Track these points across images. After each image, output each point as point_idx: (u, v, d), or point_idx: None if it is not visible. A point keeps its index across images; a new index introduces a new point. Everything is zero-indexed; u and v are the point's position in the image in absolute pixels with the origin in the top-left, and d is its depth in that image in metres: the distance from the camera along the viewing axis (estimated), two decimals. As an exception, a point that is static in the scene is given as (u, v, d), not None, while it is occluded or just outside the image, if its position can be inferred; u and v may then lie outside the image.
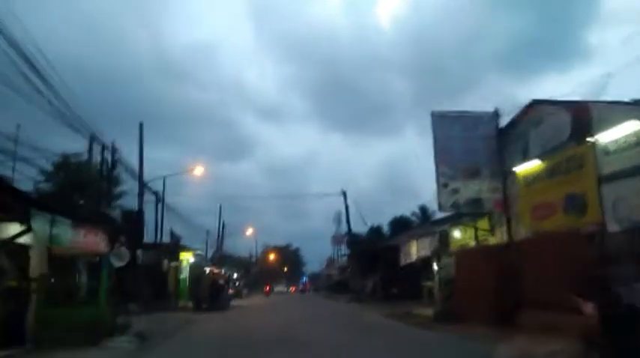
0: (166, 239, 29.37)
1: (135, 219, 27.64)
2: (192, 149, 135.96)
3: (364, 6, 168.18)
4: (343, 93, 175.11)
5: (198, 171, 29.72)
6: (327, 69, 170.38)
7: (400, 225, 64.52)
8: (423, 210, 65.59)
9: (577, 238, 11.60)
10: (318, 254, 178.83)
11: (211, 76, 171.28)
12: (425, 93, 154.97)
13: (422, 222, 64.21)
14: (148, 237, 28.69)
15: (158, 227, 28.57)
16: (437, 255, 16.37)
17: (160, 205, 28.78)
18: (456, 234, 18.09)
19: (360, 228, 79.96)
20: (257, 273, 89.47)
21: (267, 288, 75.66)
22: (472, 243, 18.49)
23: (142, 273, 26.40)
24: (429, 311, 17.27)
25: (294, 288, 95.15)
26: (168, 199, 30.47)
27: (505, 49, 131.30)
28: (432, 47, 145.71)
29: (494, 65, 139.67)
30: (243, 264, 79.59)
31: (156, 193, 28.73)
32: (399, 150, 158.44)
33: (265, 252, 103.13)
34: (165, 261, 28.23)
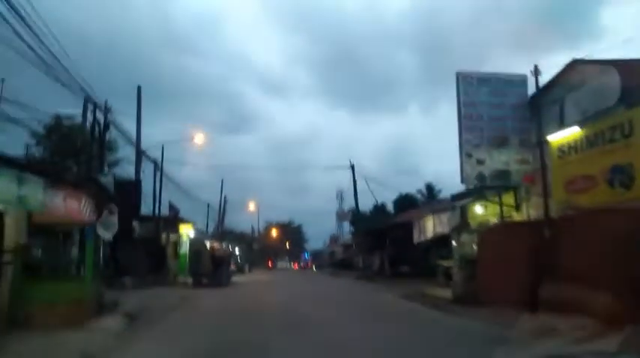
0: (165, 212, 27.94)
1: (131, 188, 26.26)
2: (195, 122, 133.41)
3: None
4: (350, 68, 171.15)
5: (199, 139, 28.19)
6: (334, 43, 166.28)
7: (405, 203, 63.45)
8: (429, 188, 64.50)
9: (625, 214, 10.09)
10: (321, 231, 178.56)
11: (216, 48, 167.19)
12: (433, 69, 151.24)
13: (428, 200, 63.37)
14: (146, 208, 27.36)
15: (156, 198, 27.15)
16: (457, 231, 14.91)
17: (158, 175, 27.30)
18: (478, 209, 16.59)
19: (365, 205, 79.21)
20: (259, 249, 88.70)
21: (270, 263, 75.20)
22: (493, 220, 17.01)
23: (139, 246, 25.12)
24: (445, 293, 15.91)
25: (296, 265, 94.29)
26: (167, 170, 29.03)
27: (515, 25, 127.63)
28: (441, 22, 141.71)
29: (503, 42, 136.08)
30: (245, 240, 78.67)
31: (154, 162, 27.24)
32: (406, 127, 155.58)
33: (267, 228, 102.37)
34: (164, 234, 26.89)
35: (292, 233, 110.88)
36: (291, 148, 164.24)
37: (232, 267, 33.82)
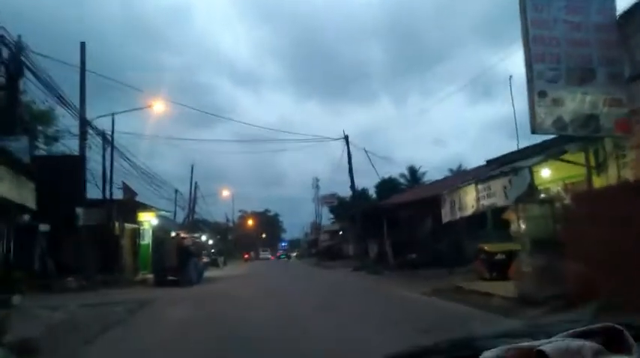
0: (119, 195, 22.68)
1: (73, 165, 20.92)
2: (165, 114, 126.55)
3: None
4: (319, 60, 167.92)
5: (158, 107, 22.81)
6: (302, 34, 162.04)
7: (388, 187, 59.61)
8: (412, 171, 60.59)
9: None
10: (297, 221, 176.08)
11: (184, 39, 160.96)
12: (401, 60, 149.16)
13: (411, 183, 59.43)
14: (94, 192, 22.03)
15: (107, 179, 21.83)
16: (521, 202, 10.51)
17: (108, 151, 21.94)
18: (544, 173, 12.16)
19: (341, 192, 74.80)
20: (234, 240, 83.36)
21: (247, 256, 72.19)
22: (559, 188, 12.57)
23: (86, 238, 19.92)
24: (496, 288, 11.49)
25: (273, 256, 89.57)
26: (124, 147, 23.65)
27: (483, 15, 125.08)
28: (409, 12, 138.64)
29: (472, 33, 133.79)
30: (219, 230, 73.37)
31: (103, 134, 21.83)
32: (377, 116, 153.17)
33: (243, 218, 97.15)
34: (118, 223, 21.67)
35: (269, 222, 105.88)
36: (263, 139, 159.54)
37: (204, 260, 28.85)
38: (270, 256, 79.94)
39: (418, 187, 48.91)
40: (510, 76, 21.80)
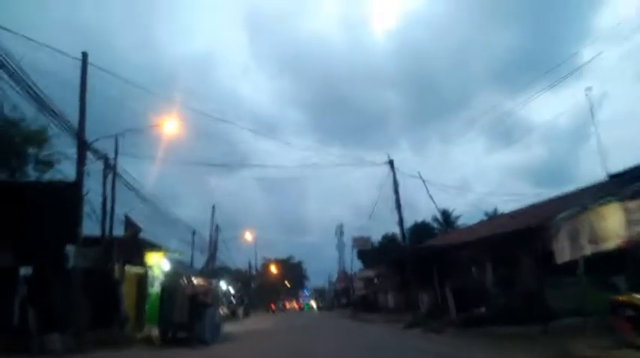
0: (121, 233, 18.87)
1: (67, 194, 17.28)
2: (189, 165, 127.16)
3: (358, 20, 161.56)
4: (339, 108, 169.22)
5: (170, 126, 19.18)
6: (323, 83, 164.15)
7: (421, 231, 55.37)
8: (445, 214, 56.43)
9: None
10: (319, 268, 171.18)
11: (206, 89, 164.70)
12: (419, 107, 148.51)
13: (444, 228, 54.77)
14: (91, 227, 18.26)
15: (107, 212, 18.09)
16: None
17: (110, 177, 18.30)
18: None
19: (375, 233, 69.60)
20: (257, 288, 78.49)
21: (273, 306, 68.93)
22: None
23: (76, 283, 16.04)
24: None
25: (298, 305, 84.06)
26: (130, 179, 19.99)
27: (497, 64, 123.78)
28: (425, 62, 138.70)
29: (486, 80, 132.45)
30: (241, 278, 68.85)
31: (105, 158, 18.27)
32: (397, 163, 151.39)
33: (266, 265, 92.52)
34: (118, 265, 17.75)
35: (292, 270, 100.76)
36: (285, 186, 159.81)
37: (223, 311, 24.57)
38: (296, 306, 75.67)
39: (455, 231, 44.30)
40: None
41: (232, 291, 41.75)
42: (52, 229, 16.50)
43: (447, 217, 55.51)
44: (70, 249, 16.21)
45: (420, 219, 59.06)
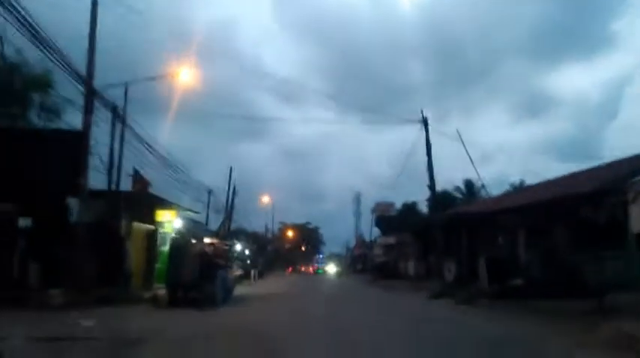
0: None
1: (71, 143, 16.11)
2: (208, 129, 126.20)
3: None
4: (361, 77, 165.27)
5: (185, 75, 17.66)
6: (346, 52, 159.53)
7: (442, 201, 53.70)
8: (469, 184, 54.36)
9: None
10: (335, 235, 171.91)
11: (229, 54, 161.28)
12: (444, 78, 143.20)
13: (467, 199, 52.92)
14: (99, 181, 17.12)
15: (114, 163, 16.88)
16: None
17: (119, 128, 16.99)
18: None
19: (397, 197, 67.82)
20: (273, 251, 78.30)
21: (290, 269, 69.55)
22: None
23: (80, 238, 15.02)
24: None
25: (313, 268, 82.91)
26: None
27: (526, 35, 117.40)
28: (452, 32, 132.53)
29: (514, 52, 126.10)
30: (257, 241, 68.47)
31: (114, 107, 16.91)
32: (417, 135, 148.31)
33: (283, 229, 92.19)
34: (125, 221, 16.65)
35: (309, 235, 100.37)
36: (304, 155, 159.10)
37: (236, 272, 23.60)
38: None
39: (479, 201, 42.47)
40: None
41: (247, 253, 40.96)
42: (54, 180, 15.42)
43: (470, 187, 53.79)
44: (72, 201, 15.12)
45: (440, 189, 57.65)
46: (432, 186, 22.57)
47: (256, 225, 72.85)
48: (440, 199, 55.54)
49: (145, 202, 17.68)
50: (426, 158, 21.85)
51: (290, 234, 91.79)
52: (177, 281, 15.82)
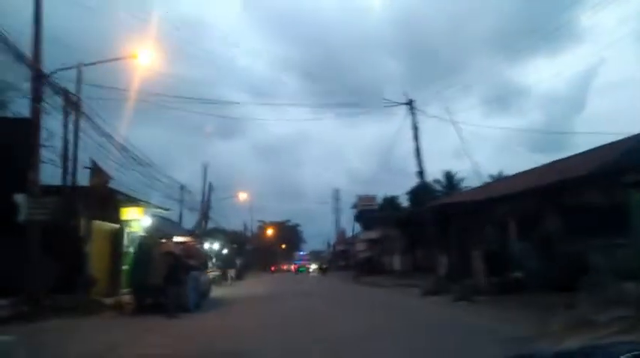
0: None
1: (17, 134, 14.26)
2: (183, 129, 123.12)
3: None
4: (333, 73, 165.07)
5: (145, 59, 15.86)
6: (317, 49, 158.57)
7: (422, 193, 52.69)
8: (449, 176, 53.88)
9: None
10: (315, 232, 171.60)
11: (200, 53, 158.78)
12: (414, 73, 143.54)
13: (447, 191, 51.99)
14: (50, 175, 15.26)
15: (69, 154, 15.05)
16: None
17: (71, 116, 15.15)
18: None
19: (377, 192, 66.93)
20: (253, 250, 76.39)
21: (273, 268, 69.07)
22: None
23: (32, 240, 13.26)
24: None
25: (295, 267, 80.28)
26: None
27: (494, 28, 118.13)
28: (421, 26, 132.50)
29: (483, 46, 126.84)
30: (236, 240, 66.51)
31: (65, 94, 15.08)
32: (390, 129, 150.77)
33: (262, 228, 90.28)
34: (84, 219, 14.88)
35: (289, 233, 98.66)
36: (280, 152, 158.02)
37: (213, 273, 21.99)
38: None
39: (460, 193, 41.54)
40: None
41: (225, 253, 39.23)
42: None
43: (450, 179, 52.96)
44: (21, 197, 13.32)
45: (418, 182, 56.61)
46: (420, 172, 21.19)
47: (235, 225, 71.02)
48: (420, 192, 54.77)
49: (106, 198, 15.91)
50: (413, 143, 20.47)
51: (269, 232, 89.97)
52: (143, 285, 14.13)
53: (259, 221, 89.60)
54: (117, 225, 17.61)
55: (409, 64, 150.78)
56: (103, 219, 16.16)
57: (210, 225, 48.16)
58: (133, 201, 18.39)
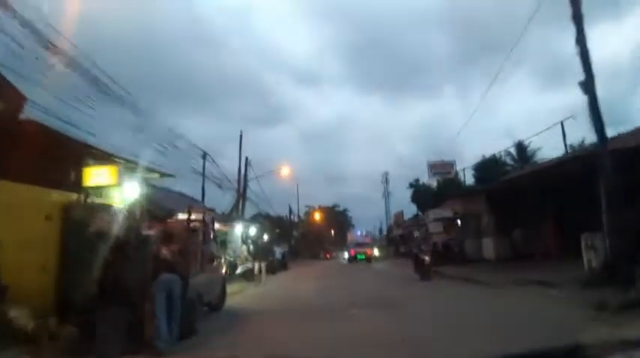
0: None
1: None
2: (229, 116, 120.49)
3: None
4: (380, 54, 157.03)
5: None
6: (362, 28, 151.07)
7: (490, 168, 44.65)
8: (521, 147, 44.26)
9: None
10: (363, 218, 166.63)
11: (245, 41, 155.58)
12: (464, 50, 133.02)
13: (520, 164, 43.89)
14: None
15: None
16: None
17: None
18: None
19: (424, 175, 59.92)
20: (301, 236, 70.07)
21: (329, 255, 62.88)
22: None
23: None
24: None
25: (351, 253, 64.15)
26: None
27: None
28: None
29: (537, 16, 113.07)
30: (282, 225, 60.43)
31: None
32: (440, 110, 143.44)
33: (310, 213, 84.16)
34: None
35: (337, 218, 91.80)
36: (326, 137, 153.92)
37: (222, 270, 15.33)
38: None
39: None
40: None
41: (265, 240, 32.69)
42: None
43: (522, 150, 44.69)
44: None
45: (487, 154, 48.94)
46: (588, 81, 12.11)
47: (280, 211, 65.00)
48: (486, 167, 46.71)
49: (37, 145, 9.19)
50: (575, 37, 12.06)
51: (317, 217, 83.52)
52: (75, 301, 7.39)
53: (306, 206, 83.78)
54: (73, 194, 10.91)
55: (456, 40, 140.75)
56: (34, 181, 9.45)
57: (252, 209, 41.96)
58: (102, 157, 11.70)
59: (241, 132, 36.06)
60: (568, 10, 11.91)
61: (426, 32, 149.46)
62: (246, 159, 36.21)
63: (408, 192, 64.36)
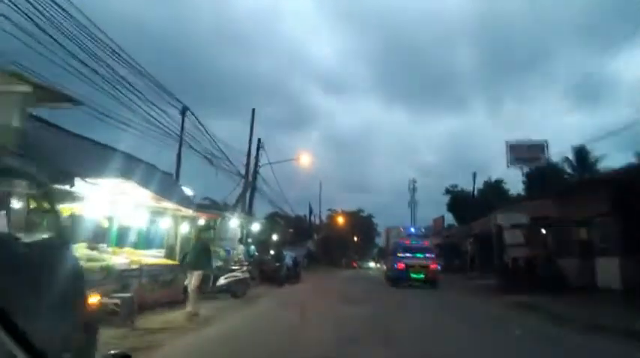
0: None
1: None
2: (258, 120, 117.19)
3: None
4: (407, 64, 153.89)
5: None
6: (390, 38, 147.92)
7: (545, 176, 37.85)
8: (581, 154, 37.77)
9: None
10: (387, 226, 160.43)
11: (273, 45, 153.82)
12: (493, 64, 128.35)
13: (580, 172, 37.66)
14: None
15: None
16: None
17: None
18: None
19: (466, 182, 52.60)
20: (321, 241, 62.41)
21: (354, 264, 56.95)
22: None
23: None
24: None
25: (399, 266, 37.48)
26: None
27: (584, 14, 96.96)
28: (501, 14, 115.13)
29: (571, 33, 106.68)
30: (300, 226, 53.51)
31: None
32: (466, 123, 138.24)
33: (332, 216, 76.85)
34: None
35: (362, 223, 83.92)
36: (350, 144, 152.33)
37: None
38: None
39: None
40: None
41: (275, 239, 25.46)
42: None
43: (583, 157, 37.91)
44: None
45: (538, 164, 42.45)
46: None
47: (300, 212, 58.14)
48: (541, 175, 39.48)
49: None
50: None
51: (340, 220, 76.03)
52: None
53: (329, 209, 76.65)
54: None
55: (485, 54, 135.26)
56: None
57: (267, 208, 34.95)
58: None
59: (253, 110, 29.11)
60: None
61: (453, 45, 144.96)
62: (259, 140, 29.22)
63: (443, 199, 57.21)
